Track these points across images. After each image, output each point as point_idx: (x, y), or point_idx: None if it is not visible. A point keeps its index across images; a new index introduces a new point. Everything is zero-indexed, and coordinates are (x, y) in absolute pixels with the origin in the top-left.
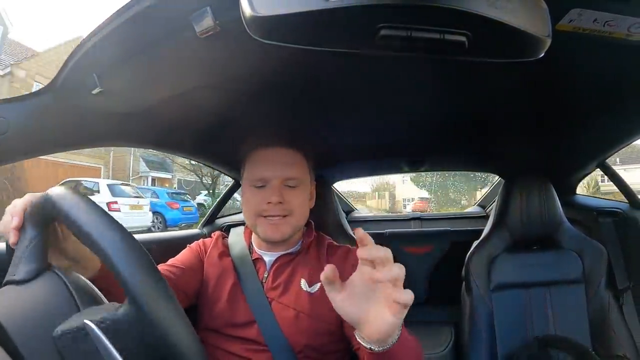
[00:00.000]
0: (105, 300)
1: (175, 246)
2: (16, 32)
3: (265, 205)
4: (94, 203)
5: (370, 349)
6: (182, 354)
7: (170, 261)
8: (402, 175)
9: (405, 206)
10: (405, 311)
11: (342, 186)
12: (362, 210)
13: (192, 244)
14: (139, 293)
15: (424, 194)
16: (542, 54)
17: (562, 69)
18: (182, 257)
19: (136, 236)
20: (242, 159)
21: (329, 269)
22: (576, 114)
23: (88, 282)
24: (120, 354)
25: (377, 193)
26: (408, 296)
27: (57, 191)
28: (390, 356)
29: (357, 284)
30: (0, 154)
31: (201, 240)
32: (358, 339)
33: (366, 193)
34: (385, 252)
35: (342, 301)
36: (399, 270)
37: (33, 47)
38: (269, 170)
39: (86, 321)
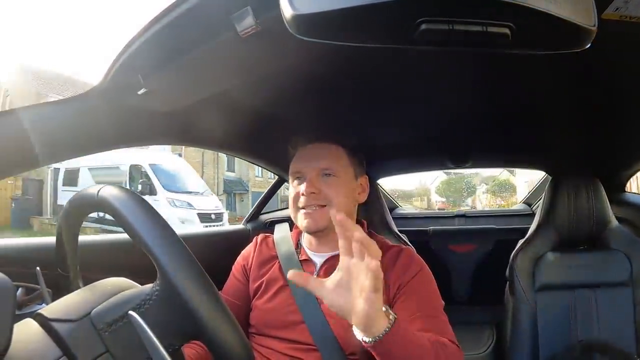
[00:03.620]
0: None
1: (219, 241)
2: (69, 68)
3: (301, 197)
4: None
5: (363, 340)
6: (215, 330)
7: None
8: (432, 185)
9: (436, 203)
10: (376, 297)
11: (389, 184)
12: (407, 208)
13: (234, 266)
14: (172, 271)
15: (443, 199)
16: (588, 45)
17: (609, 60)
18: (229, 287)
19: (183, 231)
20: (288, 160)
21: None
22: (625, 107)
23: None
24: (158, 335)
25: (419, 197)
26: (372, 282)
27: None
28: (388, 350)
29: (341, 275)
30: (48, 153)
31: (241, 256)
32: (354, 332)
33: (412, 194)
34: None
35: (330, 294)
36: (374, 262)
37: (89, 82)
38: (305, 164)
39: (131, 313)
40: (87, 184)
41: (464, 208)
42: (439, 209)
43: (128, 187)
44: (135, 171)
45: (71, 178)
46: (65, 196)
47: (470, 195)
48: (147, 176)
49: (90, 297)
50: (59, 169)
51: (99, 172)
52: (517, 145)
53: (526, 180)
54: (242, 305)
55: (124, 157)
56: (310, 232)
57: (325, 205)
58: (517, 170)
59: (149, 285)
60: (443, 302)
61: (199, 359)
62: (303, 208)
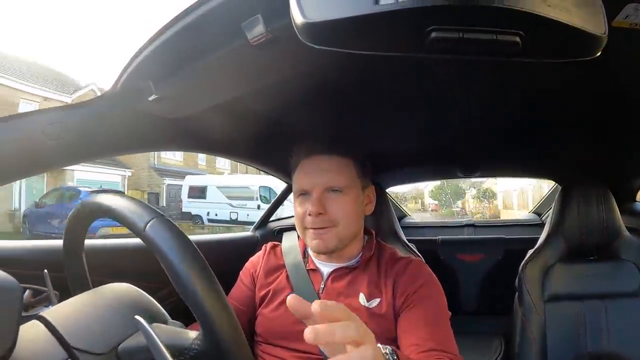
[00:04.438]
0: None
1: (227, 247)
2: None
3: (307, 217)
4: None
5: None
6: None
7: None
8: (426, 189)
9: (429, 205)
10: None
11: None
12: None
13: (242, 271)
14: (217, 326)
15: (436, 201)
16: (599, 53)
17: (620, 68)
18: (236, 292)
19: (191, 237)
20: (292, 171)
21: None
22: (635, 116)
23: None
24: None
25: (413, 200)
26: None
27: None
28: None
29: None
30: (57, 157)
31: (250, 262)
32: None
33: (406, 197)
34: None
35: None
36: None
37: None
38: (309, 180)
39: (138, 318)
40: (216, 198)
41: (455, 209)
42: (432, 210)
43: (259, 202)
44: (263, 190)
45: (199, 192)
46: (189, 205)
47: (459, 198)
48: (274, 193)
49: (110, 319)
50: (180, 185)
51: (231, 190)
52: (527, 154)
53: (501, 190)
54: (247, 311)
55: (252, 180)
56: (319, 253)
57: (331, 227)
58: (499, 181)
59: (186, 334)
60: (450, 314)
61: None
62: (311, 229)
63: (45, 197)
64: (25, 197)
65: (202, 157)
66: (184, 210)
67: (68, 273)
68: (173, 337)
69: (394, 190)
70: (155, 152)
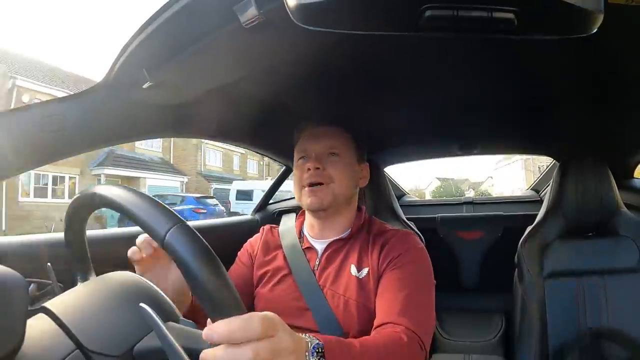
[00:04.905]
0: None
1: (229, 231)
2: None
3: (306, 174)
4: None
5: None
6: None
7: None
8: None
9: None
10: None
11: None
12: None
13: (240, 252)
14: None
15: None
16: (595, 30)
17: (616, 45)
18: (234, 272)
19: (194, 222)
20: (295, 142)
21: None
22: (632, 93)
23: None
24: None
25: None
26: None
27: None
28: None
29: None
30: (57, 149)
31: (248, 242)
32: None
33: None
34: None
35: None
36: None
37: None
38: (311, 143)
39: (142, 305)
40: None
41: None
42: None
43: None
44: None
45: (245, 195)
46: (237, 207)
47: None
48: None
49: (120, 314)
50: (224, 189)
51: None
52: (525, 131)
53: (497, 192)
54: (246, 290)
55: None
56: (314, 210)
57: (327, 183)
58: (495, 183)
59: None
60: (433, 283)
61: None
62: (308, 186)
63: None
64: None
65: (236, 163)
66: (232, 210)
67: (72, 258)
68: (189, 339)
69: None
70: (202, 160)
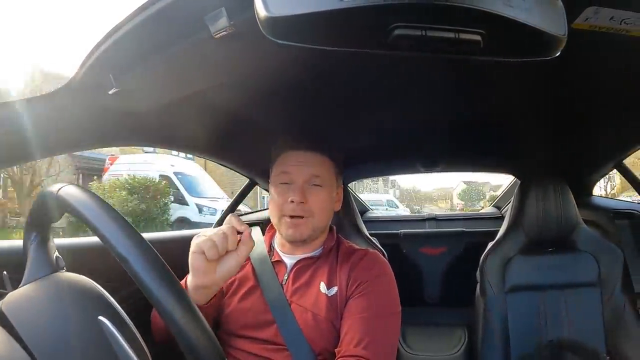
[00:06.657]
0: None
1: (189, 243)
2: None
3: (288, 205)
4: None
5: None
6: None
7: None
8: (455, 191)
9: (457, 204)
10: None
11: (408, 185)
12: (433, 208)
13: None
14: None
15: (462, 202)
16: (558, 53)
17: (579, 68)
18: None
19: (151, 235)
20: (271, 161)
21: None
22: (593, 114)
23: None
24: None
25: (443, 200)
26: None
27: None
28: None
29: None
30: (17, 153)
31: None
32: None
33: (432, 196)
34: None
35: None
36: None
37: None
38: (294, 170)
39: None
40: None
41: (477, 208)
42: (459, 210)
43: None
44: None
45: None
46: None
47: (480, 200)
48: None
49: (70, 315)
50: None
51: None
52: (487, 150)
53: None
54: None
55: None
56: (293, 242)
57: (308, 217)
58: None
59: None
60: (399, 311)
61: None
62: (289, 217)
63: None
64: None
65: None
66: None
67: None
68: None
69: (427, 191)
70: None
